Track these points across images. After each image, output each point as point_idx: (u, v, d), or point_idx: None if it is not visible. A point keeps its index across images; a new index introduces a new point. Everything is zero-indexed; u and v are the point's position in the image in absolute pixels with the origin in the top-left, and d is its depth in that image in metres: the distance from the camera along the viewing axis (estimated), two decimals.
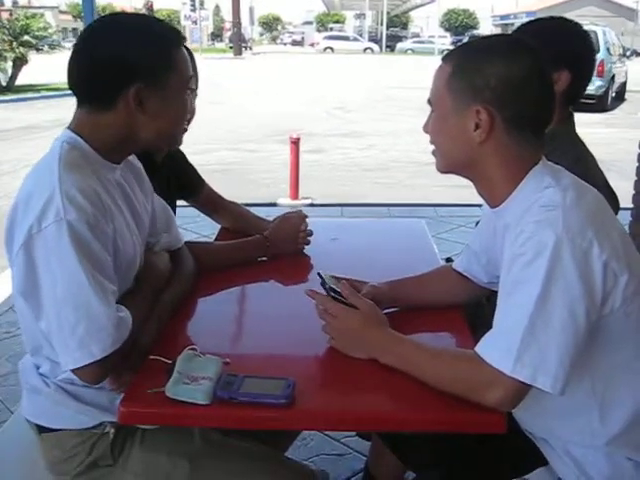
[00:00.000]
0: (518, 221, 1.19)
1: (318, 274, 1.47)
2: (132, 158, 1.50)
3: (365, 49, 50.47)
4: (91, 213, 1.23)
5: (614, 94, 15.32)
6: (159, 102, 1.32)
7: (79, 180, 1.25)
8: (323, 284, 1.45)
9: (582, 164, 1.71)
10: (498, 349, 1.14)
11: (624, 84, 16.83)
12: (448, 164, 1.32)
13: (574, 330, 1.11)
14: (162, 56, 1.32)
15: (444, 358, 1.24)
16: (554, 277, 1.10)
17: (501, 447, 1.33)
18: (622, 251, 1.17)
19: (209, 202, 2.14)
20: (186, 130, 1.44)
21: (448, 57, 1.28)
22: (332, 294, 1.42)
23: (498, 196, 1.28)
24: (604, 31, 14.70)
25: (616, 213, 1.64)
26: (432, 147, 1.35)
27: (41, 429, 1.42)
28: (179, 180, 1.63)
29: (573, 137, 1.84)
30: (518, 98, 1.20)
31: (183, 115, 1.41)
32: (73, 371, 1.24)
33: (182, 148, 1.46)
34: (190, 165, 2.11)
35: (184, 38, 1.39)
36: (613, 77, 14.84)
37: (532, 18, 2.00)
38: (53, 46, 18.66)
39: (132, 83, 1.28)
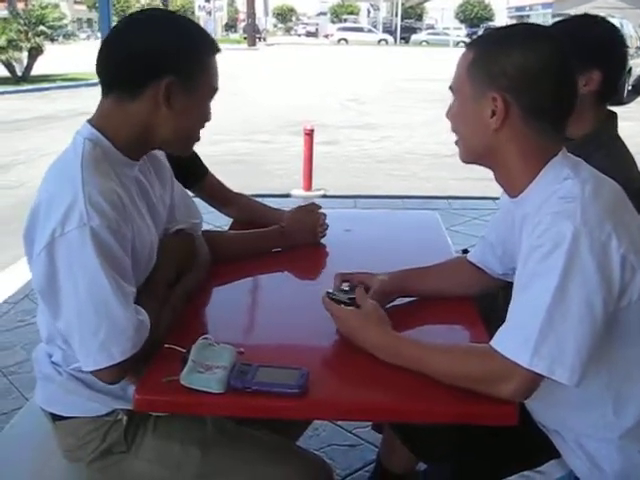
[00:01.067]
0: (536, 212, 1.19)
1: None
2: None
3: (379, 41, 50.00)
4: (113, 218, 1.24)
5: (630, 87, 15.15)
6: (185, 101, 1.33)
7: (102, 184, 1.26)
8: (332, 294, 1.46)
9: (624, 165, 1.71)
10: (515, 341, 1.13)
11: None
12: (468, 153, 1.32)
13: (591, 322, 1.11)
14: (198, 58, 1.34)
15: (455, 353, 1.24)
16: (572, 269, 1.10)
17: (513, 439, 1.33)
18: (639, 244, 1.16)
19: (214, 193, 2.09)
20: (199, 139, 1.45)
21: (472, 44, 1.29)
22: (333, 296, 1.44)
23: (517, 186, 1.27)
24: (621, 23, 14.51)
25: None
26: (454, 138, 1.35)
27: (55, 417, 1.43)
28: (180, 167, 1.63)
29: (614, 137, 1.82)
30: (535, 87, 1.20)
31: (203, 120, 1.42)
32: (92, 372, 1.26)
33: None
34: (193, 153, 2.08)
35: (219, 49, 1.40)
36: (630, 70, 14.67)
37: (549, 11, 2.00)
38: (68, 36, 18.73)
39: (166, 74, 1.29)
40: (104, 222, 1.22)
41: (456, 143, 1.34)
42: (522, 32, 1.27)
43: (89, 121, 1.36)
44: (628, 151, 1.82)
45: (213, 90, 1.40)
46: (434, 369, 1.22)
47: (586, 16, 1.87)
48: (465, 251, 1.81)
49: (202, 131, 1.44)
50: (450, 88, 1.31)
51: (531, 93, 1.20)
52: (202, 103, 1.39)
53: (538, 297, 1.12)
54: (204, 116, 1.41)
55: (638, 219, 1.24)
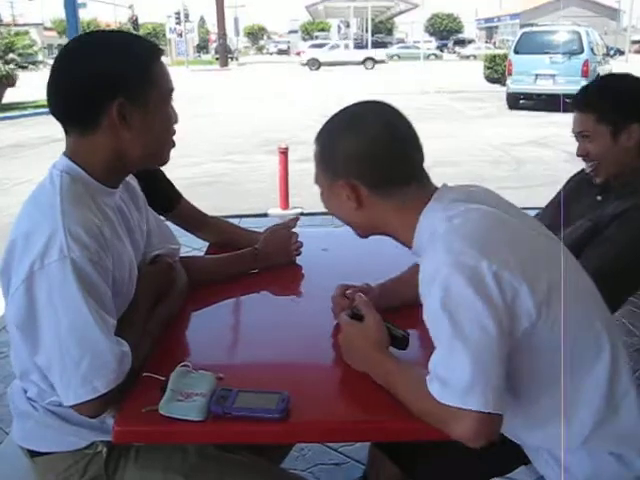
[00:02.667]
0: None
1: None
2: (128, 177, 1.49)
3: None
4: (94, 250, 1.23)
5: None
6: (142, 117, 1.32)
7: (81, 216, 1.25)
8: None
9: None
10: (435, 385, 1.14)
11: None
12: (361, 231, 1.38)
13: (491, 345, 1.11)
14: (141, 70, 1.32)
15: (419, 391, 1.19)
16: (452, 302, 1.12)
17: (484, 448, 1.34)
18: (514, 263, 1.16)
19: (189, 218, 2.08)
20: (174, 145, 1.43)
21: (316, 138, 1.35)
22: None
23: (407, 242, 1.31)
24: (587, 31, 14.80)
25: None
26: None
27: (33, 453, 1.41)
28: (153, 195, 1.62)
29: None
30: (372, 165, 1.26)
31: (168, 128, 1.40)
32: (73, 406, 1.25)
33: (170, 161, 1.45)
34: (165, 179, 2.07)
35: (162, 51, 1.39)
36: (597, 76, 14.93)
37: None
38: (37, 63, 18.62)
39: (113, 99, 1.28)
40: (85, 254, 1.21)
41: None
42: (342, 120, 1.32)
43: (64, 154, 1.35)
44: None
45: (168, 93, 1.38)
46: (404, 402, 1.22)
47: (628, 75, 1.92)
48: None
49: (175, 154, 1.44)
50: (315, 180, 1.38)
51: (371, 172, 1.26)
52: (161, 110, 1.37)
53: (440, 339, 1.15)
54: (168, 121, 1.39)
55: (515, 238, 1.24)
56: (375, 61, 35.96)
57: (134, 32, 1.66)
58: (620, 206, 1.77)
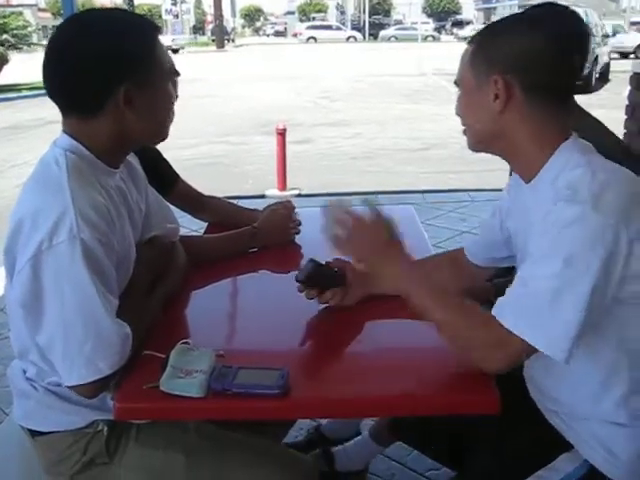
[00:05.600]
0: (548, 197, 1.19)
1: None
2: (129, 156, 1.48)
3: (348, 38, 50.13)
4: (103, 231, 1.23)
5: (598, 75, 15.35)
6: (148, 97, 1.31)
7: (91, 196, 1.25)
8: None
9: (598, 128, 1.78)
10: (514, 314, 1.17)
11: (607, 65, 16.87)
12: (477, 141, 1.33)
13: (588, 309, 1.12)
14: (146, 52, 1.30)
15: (460, 315, 1.24)
16: (577, 254, 1.11)
17: (523, 438, 1.36)
18: None
19: (187, 198, 2.08)
20: (172, 119, 1.43)
21: (472, 38, 1.32)
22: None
23: (530, 169, 1.28)
24: (586, 12, 14.69)
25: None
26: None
27: (34, 433, 1.41)
28: (151, 176, 1.62)
29: (580, 114, 1.86)
30: (534, 66, 1.21)
31: (171, 106, 1.40)
32: (74, 387, 1.25)
33: (167, 142, 1.45)
34: (163, 160, 2.06)
35: (160, 29, 1.37)
36: (596, 58, 14.86)
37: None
38: (32, 44, 18.47)
39: (120, 83, 1.26)
40: (94, 235, 1.20)
41: (464, 132, 1.36)
42: (516, 19, 1.29)
43: (65, 132, 1.34)
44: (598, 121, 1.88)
45: (169, 70, 1.37)
46: (438, 323, 1.25)
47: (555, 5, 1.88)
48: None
49: (172, 135, 1.43)
50: (455, 83, 1.34)
51: (530, 71, 1.22)
52: (163, 90, 1.36)
53: (542, 276, 1.15)
54: (170, 99, 1.38)
55: None
56: (356, 39, 50.85)
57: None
58: None
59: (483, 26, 1.34)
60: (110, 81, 1.26)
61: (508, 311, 1.18)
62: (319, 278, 1.49)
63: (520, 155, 1.28)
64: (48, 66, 1.29)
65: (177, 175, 2.08)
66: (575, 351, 1.14)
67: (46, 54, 1.30)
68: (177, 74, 1.40)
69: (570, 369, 1.23)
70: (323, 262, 1.51)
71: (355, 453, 1.99)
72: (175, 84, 1.40)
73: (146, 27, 1.33)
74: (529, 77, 1.22)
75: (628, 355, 1.23)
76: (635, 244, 1.13)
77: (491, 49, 1.25)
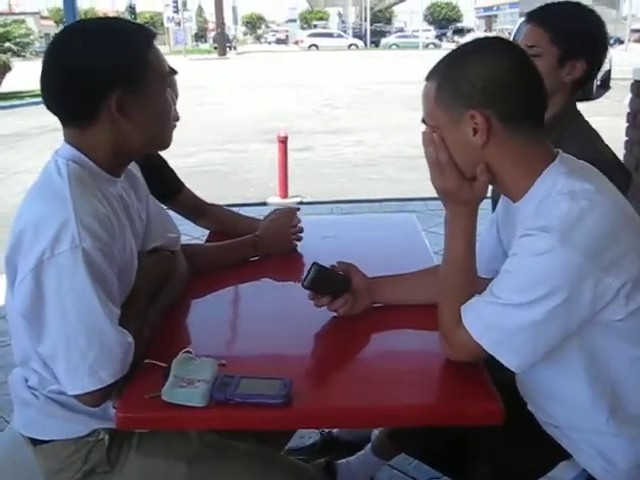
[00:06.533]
0: (531, 219, 1.20)
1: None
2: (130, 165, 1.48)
3: (350, 45, 50.08)
4: (104, 240, 1.23)
5: (599, 82, 15.36)
6: (141, 106, 1.30)
7: (92, 205, 1.25)
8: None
9: (591, 141, 1.75)
10: (474, 314, 1.23)
11: (608, 72, 16.88)
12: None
13: (538, 332, 1.17)
14: (137, 59, 1.30)
15: (455, 291, 1.30)
16: (538, 283, 1.14)
17: (521, 447, 1.36)
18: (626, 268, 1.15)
19: (190, 206, 2.09)
20: (175, 126, 1.43)
21: (430, 75, 1.28)
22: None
23: (517, 192, 1.27)
24: None
25: (628, 185, 1.66)
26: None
27: (34, 441, 1.41)
28: (155, 183, 1.62)
29: (577, 117, 1.85)
30: (507, 93, 1.21)
31: (168, 113, 1.39)
32: (77, 396, 1.25)
33: (168, 150, 1.45)
34: (168, 168, 2.08)
35: (155, 35, 1.36)
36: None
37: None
38: (36, 52, 18.53)
39: (111, 92, 1.26)
40: (96, 244, 1.20)
41: None
42: (477, 47, 1.28)
43: (67, 141, 1.34)
44: (591, 127, 1.85)
45: (164, 78, 1.36)
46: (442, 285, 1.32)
47: (579, 4, 1.87)
48: None
49: (174, 143, 1.43)
50: (423, 121, 1.31)
51: (505, 100, 1.21)
52: (159, 97, 1.35)
53: (503, 292, 1.20)
54: (167, 105, 1.37)
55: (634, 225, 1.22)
56: (357, 47, 50.55)
57: (128, 18, 1.63)
58: None
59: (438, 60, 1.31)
60: (98, 89, 1.26)
61: (470, 312, 1.24)
62: (325, 282, 1.49)
63: (505, 182, 1.28)
64: (44, 78, 1.30)
65: (181, 182, 2.10)
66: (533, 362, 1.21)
67: (43, 66, 1.30)
68: (174, 72, 1.40)
69: (561, 389, 1.25)
70: (328, 266, 1.50)
71: (358, 468, 1.98)
72: (173, 84, 1.40)
73: (138, 34, 1.33)
74: (504, 107, 1.21)
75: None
76: (605, 279, 1.13)
77: (459, 83, 1.22)
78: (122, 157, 1.38)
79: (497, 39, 1.29)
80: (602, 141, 1.81)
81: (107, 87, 1.26)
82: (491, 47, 1.25)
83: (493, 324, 1.20)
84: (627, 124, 4.04)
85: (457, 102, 1.22)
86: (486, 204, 1.33)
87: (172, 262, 1.61)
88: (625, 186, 1.58)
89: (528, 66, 1.24)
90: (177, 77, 1.62)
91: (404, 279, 1.61)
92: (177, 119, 1.43)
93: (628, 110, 4.06)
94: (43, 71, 1.30)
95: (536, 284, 1.14)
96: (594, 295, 1.13)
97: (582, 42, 1.73)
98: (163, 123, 1.38)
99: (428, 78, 1.28)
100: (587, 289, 1.12)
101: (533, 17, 1.83)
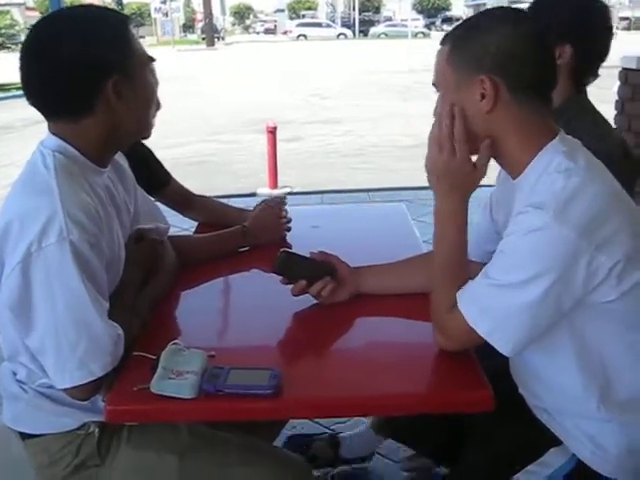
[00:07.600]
0: (527, 196, 1.20)
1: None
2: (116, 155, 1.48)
3: (338, 35, 50.11)
4: (92, 232, 1.22)
5: None
6: (133, 89, 1.31)
7: (79, 197, 1.24)
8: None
9: (599, 129, 1.74)
10: (468, 298, 1.22)
11: None
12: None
13: (545, 308, 1.16)
14: (124, 43, 1.30)
15: (452, 277, 1.29)
16: (533, 261, 1.14)
17: (512, 433, 1.37)
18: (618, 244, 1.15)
19: (178, 198, 2.08)
20: (156, 114, 1.43)
21: (445, 38, 1.29)
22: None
23: (517, 167, 1.27)
24: None
25: (637, 175, 1.68)
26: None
27: (24, 435, 1.40)
28: (142, 175, 1.61)
29: (585, 106, 1.84)
30: (519, 63, 1.21)
31: (153, 95, 1.40)
32: (66, 389, 1.24)
33: (157, 141, 1.44)
34: (155, 160, 2.06)
35: (130, 18, 1.37)
36: None
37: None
38: (19, 44, 18.35)
39: (108, 78, 1.26)
40: (84, 236, 1.20)
41: None
42: (495, 15, 1.27)
43: (52, 132, 1.32)
44: (602, 116, 1.84)
45: (147, 62, 1.37)
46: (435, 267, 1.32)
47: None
48: None
49: (163, 134, 1.43)
50: (433, 84, 1.31)
51: (516, 69, 1.21)
52: (145, 79, 1.36)
53: (497, 273, 1.20)
54: (151, 87, 1.39)
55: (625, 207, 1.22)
56: (346, 36, 50.17)
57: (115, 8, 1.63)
58: None
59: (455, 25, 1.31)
60: (95, 79, 1.26)
61: (465, 296, 1.23)
62: (296, 267, 1.50)
63: (506, 154, 1.27)
64: (25, 73, 1.28)
65: (169, 174, 2.08)
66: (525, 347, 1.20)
67: (22, 59, 1.28)
68: (152, 60, 1.40)
69: (551, 374, 1.25)
70: (304, 254, 1.52)
71: (359, 442, 2.09)
72: (152, 71, 1.40)
73: (119, 18, 1.34)
74: (515, 76, 1.21)
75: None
76: (598, 256, 1.13)
77: (474, 46, 1.22)
78: (110, 145, 1.37)
79: (517, 10, 1.28)
80: (612, 130, 1.80)
81: (102, 74, 1.26)
82: (511, 16, 1.25)
83: (489, 306, 1.19)
84: (615, 112, 4.05)
85: (468, 65, 1.22)
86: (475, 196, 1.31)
87: (160, 250, 1.60)
88: (631, 182, 1.59)
89: (544, 41, 1.25)
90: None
91: (390, 267, 1.61)
92: (159, 107, 1.43)
93: (616, 98, 4.07)
94: (26, 66, 1.27)
95: (530, 261, 1.13)
96: (587, 273, 1.13)
97: (564, 27, 1.70)
98: (150, 107, 1.39)
99: (443, 41, 1.29)
100: (581, 267, 1.12)
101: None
